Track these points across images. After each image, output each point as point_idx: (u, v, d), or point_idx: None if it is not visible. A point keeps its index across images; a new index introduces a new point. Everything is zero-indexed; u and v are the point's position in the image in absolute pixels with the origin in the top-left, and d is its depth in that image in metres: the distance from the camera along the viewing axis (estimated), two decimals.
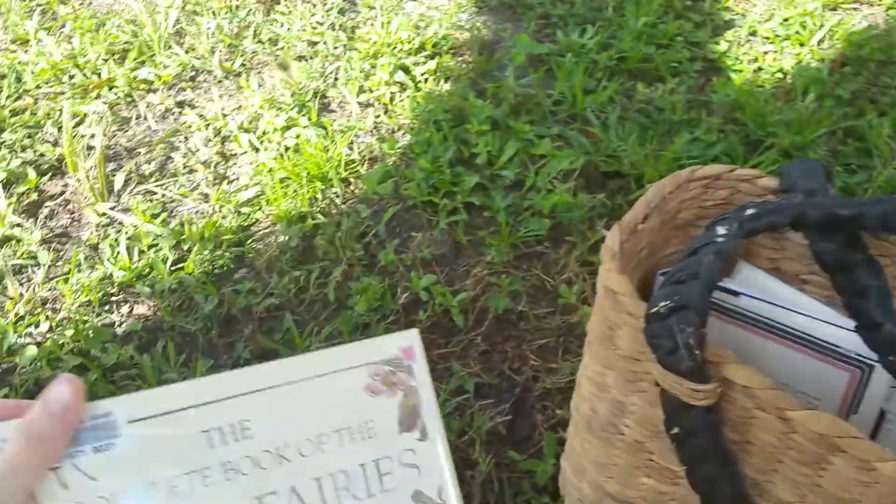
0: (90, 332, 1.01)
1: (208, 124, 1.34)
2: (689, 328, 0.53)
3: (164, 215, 1.19)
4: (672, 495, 0.68)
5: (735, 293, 0.67)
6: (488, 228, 1.14)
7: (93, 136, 1.31)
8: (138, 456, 0.39)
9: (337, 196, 1.19)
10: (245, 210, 1.19)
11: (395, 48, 1.45)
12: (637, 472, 0.69)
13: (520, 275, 1.07)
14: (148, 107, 1.40)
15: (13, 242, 1.16)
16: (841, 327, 0.63)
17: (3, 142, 1.31)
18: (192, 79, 1.45)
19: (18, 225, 1.18)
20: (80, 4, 1.66)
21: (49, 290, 1.10)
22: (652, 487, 0.68)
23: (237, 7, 1.61)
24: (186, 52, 1.50)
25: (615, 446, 0.69)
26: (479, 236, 1.13)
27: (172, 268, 1.11)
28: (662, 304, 0.54)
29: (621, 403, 0.65)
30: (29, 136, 1.33)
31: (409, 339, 0.45)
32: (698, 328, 0.54)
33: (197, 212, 1.20)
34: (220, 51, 1.50)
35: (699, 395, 0.56)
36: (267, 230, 1.16)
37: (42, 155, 1.30)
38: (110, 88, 1.42)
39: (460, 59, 1.45)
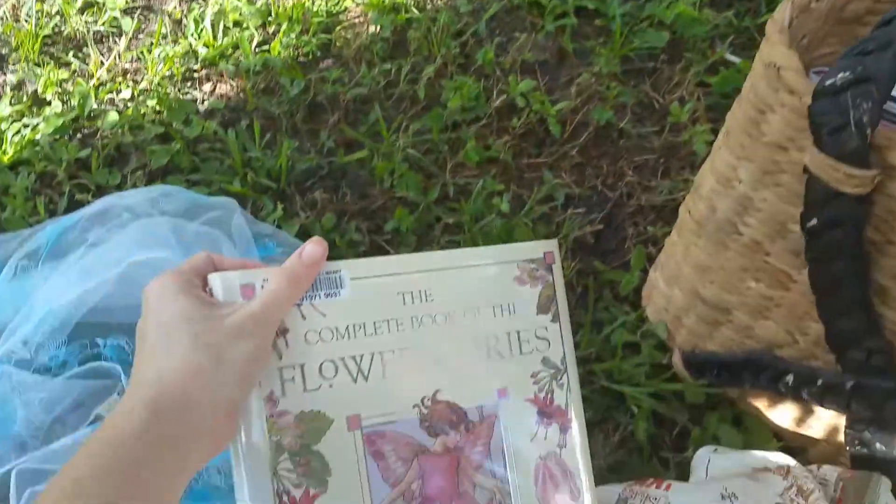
0: (173, 103, 0.99)
1: None
2: (867, 103, 0.47)
3: None
4: (778, 300, 0.62)
5: None
6: (598, 38, 1.04)
7: None
8: (355, 303, 0.53)
9: None
10: None
11: None
12: (745, 276, 0.63)
13: (627, 89, 0.99)
14: None
15: (95, 9, 1.12)
16: None
17: None
18: None
19: None
20: None
21: (131, 60, 1.08)
22: (757, 292, 0.63)
23: None
24: None
25: (728, 248, 0.63)
26: (587, 45, 1.04)
27: (258, 48, 1.06)
28: (841, 75, 0.47)
29: (749, 200, 0.59)
30: None
31: (551, 247, 0.59)
32: (877, 105, 0.47)
33: None
34: None
35: (855, 181, 0.49)
36: (357, 19, 1.09)
37: None
38: None
39: None
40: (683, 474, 0.69)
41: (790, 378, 0.62)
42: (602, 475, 0.69)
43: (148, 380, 0.45)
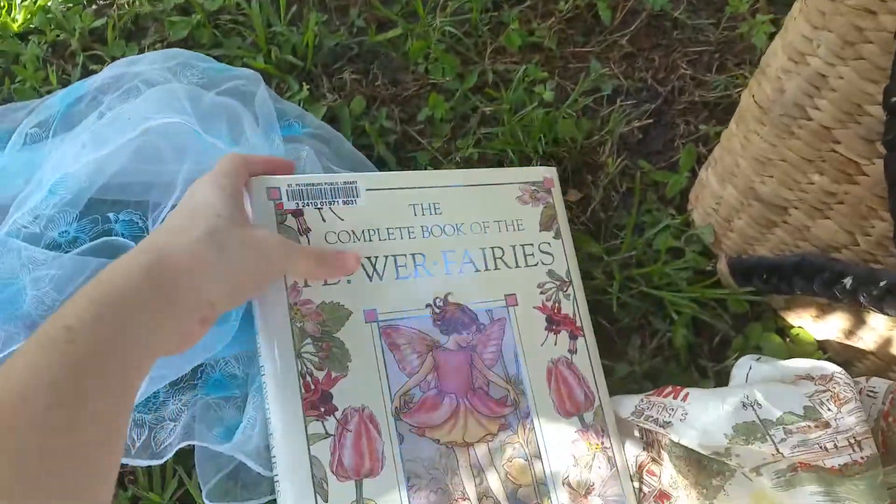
0: None
1: None
2: None
3: None
4: (841, 196, 0.57)
5: None
6: None
7: None
8: (370, 210, 0.60)
9: None
10: None
11: None
12: (808, 168, 0.58)
13: None
14: None
15: None
16: None
17: None
18: None
19: None
20: None
21: None
22: (820, 187, 0.58)
23: None
24: None
25: (793, 136, 0.57)
26: None
27: None
28: None
29: (822, 78, 0.52)
30: None
31: (550, 173, 0.68)
32: None
33: None
34: None
35: None
36: None
37: None
38: None
39: None
40: (722, 384, 0.65)
41: (848, 280, 0.57)
42: (636, 381, 0.66)
43: (152, 246, 0.45)
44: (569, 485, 0.58)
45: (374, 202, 0.61)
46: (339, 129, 0.77)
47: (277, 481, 0.52)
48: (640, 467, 0.59)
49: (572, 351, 0.63)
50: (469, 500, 0.55)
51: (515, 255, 0.64)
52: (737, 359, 0.66)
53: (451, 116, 0.81)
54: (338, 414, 0.54)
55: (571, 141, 0.79)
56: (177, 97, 0.61)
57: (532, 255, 0.64)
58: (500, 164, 0.79)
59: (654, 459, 0.60)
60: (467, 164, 0.78)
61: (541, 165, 0.74)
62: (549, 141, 0.78)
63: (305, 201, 0.59)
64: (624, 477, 0.60)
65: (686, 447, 0.58)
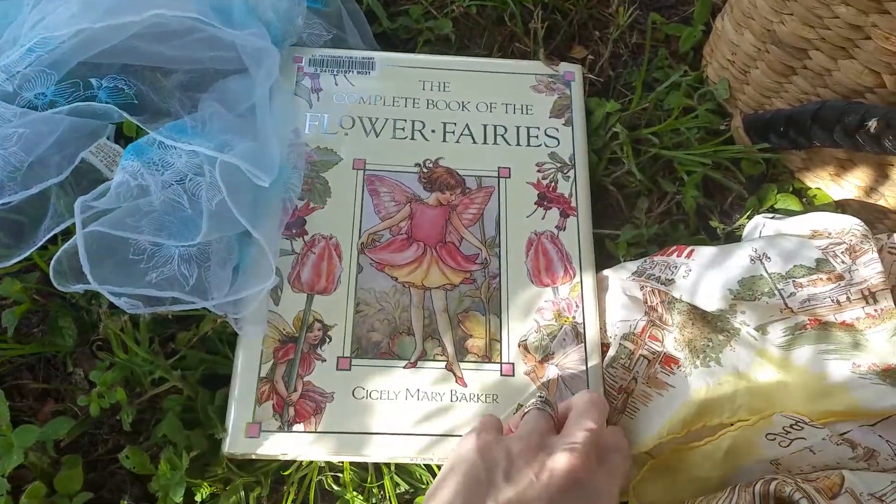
0: None
1: None
2: None
3: None
4: (868, 30, 0.53)
5: None
6: None
7: None
8: (381, 82, 0.67)
9: None
10: None
11: None
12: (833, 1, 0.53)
13: None
14: None
15: None
16: None
17: None
18: None
19: None
20: None
21: None
22: (844, 21, 0.53)
23: None
24: None
25: None
26: None
27: None
28: None
29: None
30: None
31: (574, 69, 0.70)
32: None
33: None
34: None
35: None
36: None
37: None
38: None
39: None
40: None
41: (873, 123, 0.54)
42: (642, 245, 0.64)
43: None
44: (525, 347, 0.58)
45: (386, 75, 0.68)
46: None
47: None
48: (641, 332, 0.58)
49: (560, 227, 0.63)
50: (413, 335, 0.58)
51: (518, 134, 0.66)
52: (748, 218, 0.64)
53: None
54: (307, 237, 0.61)
55: None
56: None
57: (536, 136, 0.66)
58: (500, 19, 0.74)
59: (655, 324, 0.58)
60: (465, 18, 0.74)
61: (564, 60, 0.72)
62: None
63: (323, 68, 0.68)
64: (592, 356, 0.59)
65: (689, 304, 0.57)
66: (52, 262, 0.52)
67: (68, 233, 0.58)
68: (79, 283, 0.53)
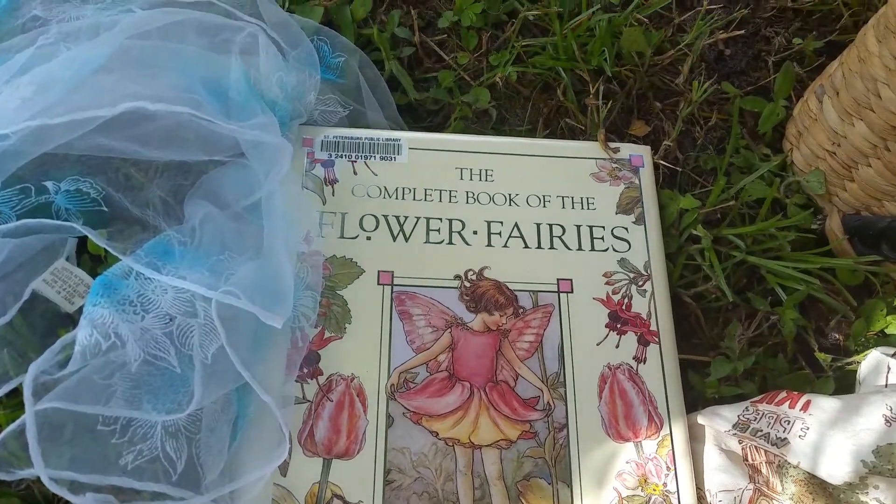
0: None
1: None
2: None
3: None
4: None
5: None
6: None
7: None
8: (410, 169, 0.56)
9: None
10: None
11: None
12: None
13: None
14: None
15: None
16: None
17: None
18: None
19: None
20: None
21: None
22: None
23: None
24: None
25: None
26: None
27: None
28: None
29: None
30: None
31: (641, 151, 0.59)
32: None
33: None
34: None
35: None
36: None
37: None
38: None
39: None
40: (845, 387, 0.53)
41: None
42: (735, 383, 0.54)
43: None
44: None
45: (416, 161, 0.57)
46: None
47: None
48: None
49: (639, 359, 0.51)
50: None
51: (580, 236, 0.55)
52: (861, 351, 0.54)
53: (482, 23, 0.65)
54: (322, 379, 0.49)
55: (638, 57, 0.63)
56: (162, 56, 0.45)
57: (601, 238, 0.55)
58: (546, 87, 0.63)
59: (763, 493, 0.48)
60: (504, 85, 0.62)
61: (629, 142, 0.62)
62: (611, 56, 0.62)
63: (338, 153, 0.57)
64: None
65: (807, 471, 0.46)
66: None
67: (16, 391, 0.45)
68: (29, 467, 0.40)
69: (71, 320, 0.48)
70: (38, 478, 0.46)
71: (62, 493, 0.38)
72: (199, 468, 0.42)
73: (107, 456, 0.42)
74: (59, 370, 0.40)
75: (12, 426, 0.40)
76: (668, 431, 0.49)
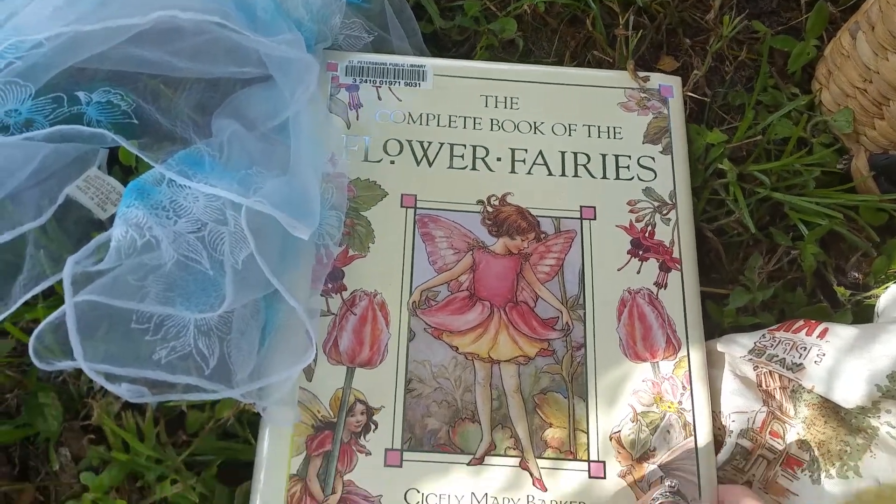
0: None
1: None
2: None
3: None
4: None
5: None
6: None
7: None
8: (434, 95, 0.57)
9: None
10: None
11: None
12: None
13: None
14: None
15: None
16: None
17: None
18: None
19: None
20: None
21: None
22: None
23: None
24: None
25: None
26: None
27: None
28: None
29: None
30: None
31: (670, 81, 0.59)
32: None
33: None
34: None
35: None
36: None
37: None
38: None
39: None
40: (864, 320, 0.54)
41: None
42: (753, 313, 0.54)
43: None
44: (618, 441, 0.48)
45: (441, 88, 0.58)
46: None
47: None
48: (761, 427, 0.49)
49: (660, 284, 0.52)
50: (479, 423, 0.48)
51: (605, 164, 0.56)
52: (882, 286, 0.54)
53: None
54: (346, 294, 0.51)
55: None
56: None
57: (627, 167, 0.56)
58: (574, 19, 0.64)
59: (776, 416, 0.49)
60: (532, 16, 0.63)
61: (657, 72, 0.61)
62: None
63: (363, 78, 0.57)
64: (705, 454, 0.48)
65: (821, 396, 0.47)
66: (33, 339, 0.41)
67: (51, 290, 0.47)
68: (66, 359, 0.42)
69: (103, 227, 0.49)
70: (74, 373, 0.49)
71: (98, 379, 0.40)
72: (230, 366, 0.44)
73: (140, 353, 0.43)
74: (95, 267, 0.42)
75: (49, 318, 0.41)
76: (686, 353, 0.51)
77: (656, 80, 0.59)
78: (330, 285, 0.51)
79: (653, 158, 0.56)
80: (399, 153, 0.55)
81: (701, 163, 0.58)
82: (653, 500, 0.44)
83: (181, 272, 0.45)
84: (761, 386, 0.50)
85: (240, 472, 0.48)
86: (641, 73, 0.58)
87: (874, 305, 0.54)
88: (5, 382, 0.48)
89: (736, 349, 0.51)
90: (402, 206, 0.54)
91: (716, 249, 0.57)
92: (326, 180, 0.52)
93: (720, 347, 0.51)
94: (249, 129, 0.52)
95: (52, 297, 0.48)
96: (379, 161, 0.55)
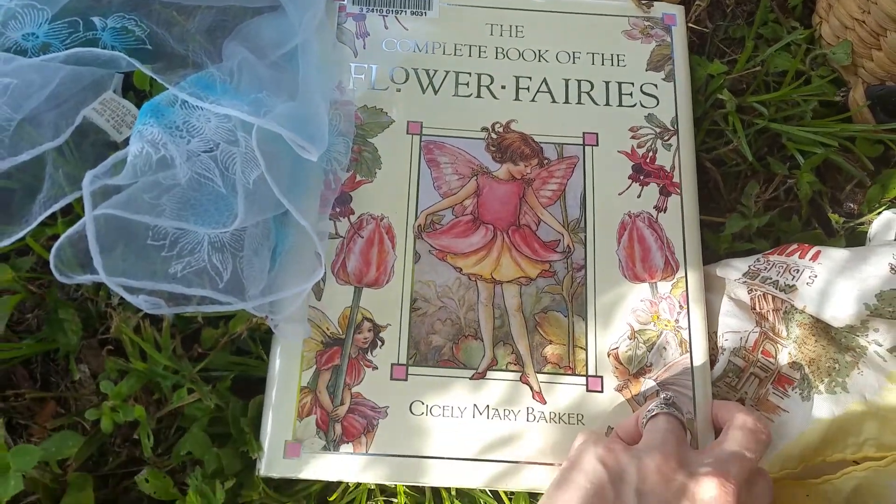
0: None
1: None
2: None
3: None
4: None
5: None
6: None
7: None
8: (440, 24, 0.58)
9: None
10: None
11: None
12: None
13: None
14: None
15: None
16: None
17: None
18: None
19: None
20: None
21: None
22: None
23: None
24: None
25: None
26: None
27: None
28: None
29: None
30: None
31: (673, 10, 0.60)
32: None
33: None
34: None
35: None
36: None
37: None
38: None
39: None
40: (855, 245, 0.55)
41: None
42: (749, 240, 0.56)
43: None
44: (615, 357, 0.50)
45: (447, 17, 0.59)
46: None
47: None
48: (753, 346, 0.51)
49: (660, 208, 0.54)
50: (481, 339, 0.51)
51: (608, 92, 0.57)
52: (874, 213, 0.56)
53: None
54: (353, 218, 0.53)
55: None
56: None
57: (630, 94, 0.57)
58: None
59: (768, 337, 0.51)
60: None
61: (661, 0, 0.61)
62: None
63: (370, 7, 0.59)
64: (700, 370, 0.50)
65: (812, 316, 0.49)
66: (54, 251, 0.44)
67: (69, 209, 0.49)
68: (85, 273, 0.44)
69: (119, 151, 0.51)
70: (92, 291, 0.51)
71: (118, 289, 0.42)
72: (243, 281, 0.46)
73: (156, 268, 0.45)
74: (112, 180, 0.44)
75: (68, 231, 0.43)
76: (684, 274, 0.52)
77: (660, 8, 0.60)
78: (338, 209, 0.53)
79: (655, 85, 0.57)
80: (405, 81, 0.57)
81: (701, 94, 0.59)
82: (648, 410, 0.46)
83: (194, 191, 0.46)
84: (755, 308, 0.52)
85: (252, 387, 0.51)
86: (645, 1, 0.59)
87: (867, 232, 0.55)
88: (27, 299, 0.50)
89: (731, 272, 0.53)
90: (408, 133, 0.55)
91: (714, 179, 0.58)
92: (334, 107, 0.54)
93: (716, 272, 0.53)
94: (259, 57, 0.53)
95: (71, 215, 0.50)
96: (385, 89, 0.56)
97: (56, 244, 0.44)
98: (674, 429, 0.44)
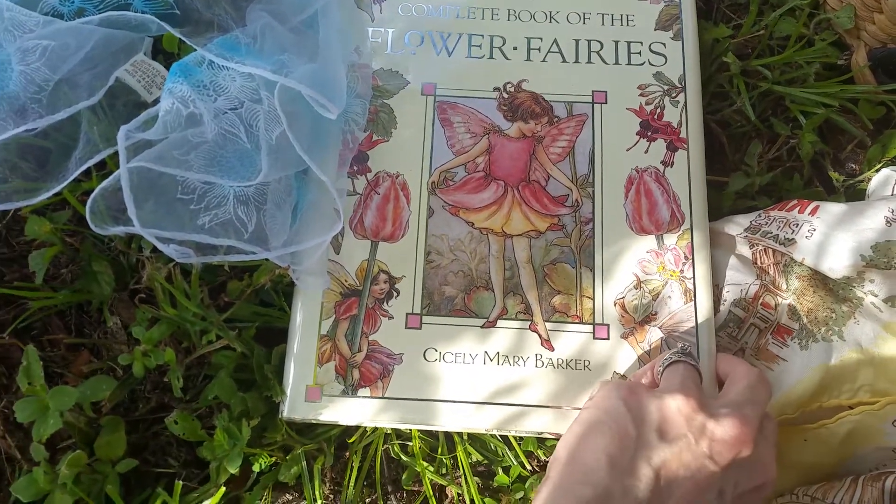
0: None
1: None
2: None
3: None
4: None
5: None
6: None
7: None
8: None
9: None
10: None
11: None
12: None
13: None
14: None
15: None
16: None
17: None
18: None
19: None
20: None
21: None
22: None
23: None
24: None
25: None
26: None
27: None
28: None
29: None
30: None
31: None
32: None
33: None
34: None
35: None
36: None
37: None
38: None
39: None
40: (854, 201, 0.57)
41: None
42: (752, 198, 0.58)
43: None
44: (622, 306, 0.53)
45: None
46: None
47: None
48: (754, 298, 0.53)
49: (667, 163, 0.56)
50: (492, 290, 0.53)
51: (617, 51, 0.59)
52: (873, 170, 0.58)
53: None
54: (370, 176, 0.55)
55: None
56: None
57: (638, 53, 0.59)
58: None
59: (768, 289, 0.53)
60: None
61: None
62: None
63: None
64: (704, 319, 0.53)
65: (810, 268, 0.51)
66: (89, 202, 0.46)
67: (102, 165, 0.52)
68: (118, 224, 0.47)
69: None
70: (124, 244, 0.54)
71: (150, 238, 0.45)
72: (267, 232, 0.49)
73: (185, 220, 0.48)
74: (144, 134, 0.46)
75: (103, 183, 0.46)
76: (689, 226, 0.54)
77: None
78: (355, 167, 0.55)
79: (664, 44, 0.59)
80: (420, 44, 0.59)
81: (707, 57, 0.61)
82: (666, 359, 0.48)
83: (221, 148, 0.49)
84: (756, 263, 0.54)
85: (275, 337, 0.53)
86: None
87: (866, 189, 0.57)
88: (63, 253, 0.53)
89: (733, 228, 0.55)
90: (422, 94, 0.57)
91: (719, 140, 0.60)
92: (352, 70, 0.56)
93: (719, 227, 0.55)
94: (281, 22, 0.56)
95: (104, 171, 0.53)
96: (401, 52, 0.59)
97: (91, 197, 0.46)
98: (691, 375, 0.46)
